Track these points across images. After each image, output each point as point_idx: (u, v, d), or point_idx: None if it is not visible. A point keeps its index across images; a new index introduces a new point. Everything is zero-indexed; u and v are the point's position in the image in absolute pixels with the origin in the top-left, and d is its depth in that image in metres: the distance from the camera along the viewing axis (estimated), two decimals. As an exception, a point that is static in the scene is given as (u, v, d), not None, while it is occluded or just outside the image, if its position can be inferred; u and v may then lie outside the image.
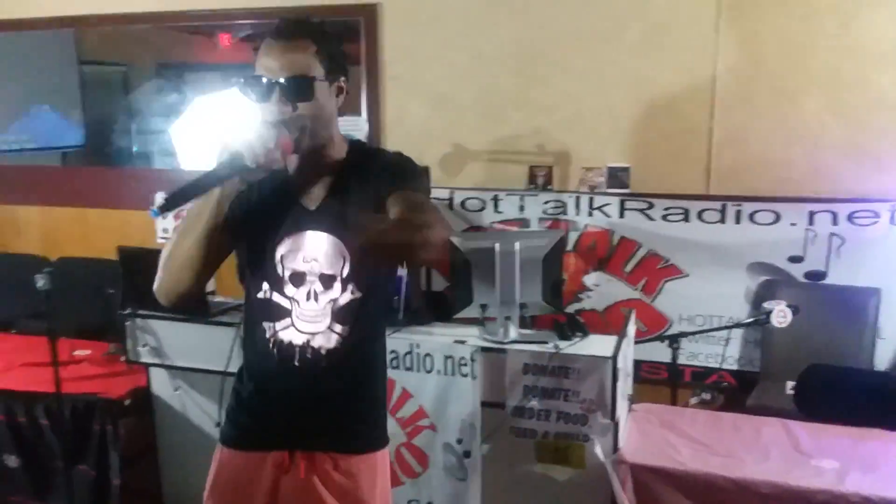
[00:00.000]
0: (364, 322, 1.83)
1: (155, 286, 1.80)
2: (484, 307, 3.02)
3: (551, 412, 2.85)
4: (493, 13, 4.13)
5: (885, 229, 3.63)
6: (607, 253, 4.03)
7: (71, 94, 5.12)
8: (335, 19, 4.31)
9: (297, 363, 1.82)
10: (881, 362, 3.68)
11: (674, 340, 3.15)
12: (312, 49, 1.71)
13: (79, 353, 3.76)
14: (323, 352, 1.81)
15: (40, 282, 3.06)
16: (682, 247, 3.91)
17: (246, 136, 1.60)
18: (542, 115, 4.12)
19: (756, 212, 3.78)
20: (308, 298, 1.80)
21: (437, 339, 3.02)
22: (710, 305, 3.90)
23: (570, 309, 3.95)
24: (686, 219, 3.88)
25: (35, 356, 3.58)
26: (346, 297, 1.80)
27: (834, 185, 3.74)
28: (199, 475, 1.95)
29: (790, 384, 3.17)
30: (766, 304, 3.04)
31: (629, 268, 4.02)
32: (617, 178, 3.96)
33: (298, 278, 1.80)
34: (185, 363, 3.34)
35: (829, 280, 3.74)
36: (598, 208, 3.99)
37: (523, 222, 4.11)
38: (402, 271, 3.20)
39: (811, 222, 3.72)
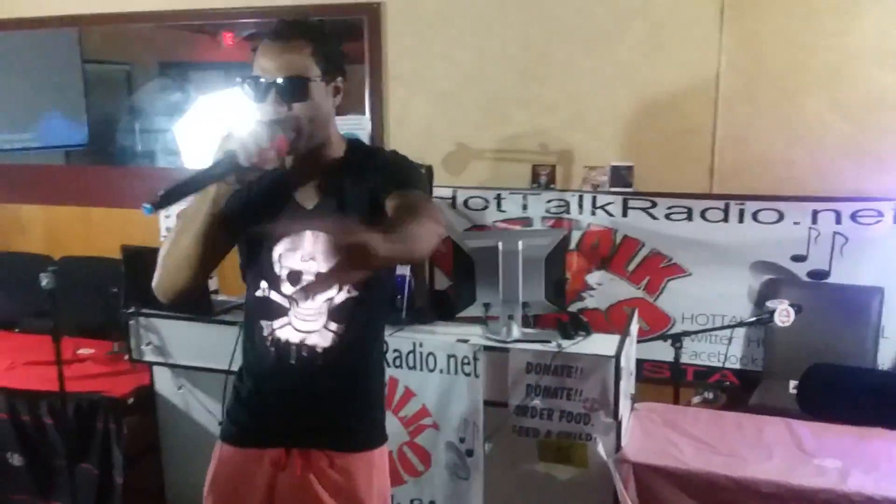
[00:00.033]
0: (360, 321, 1.84)
1: (153, 283, 1.81)
2: (487, 306, 3.02)
3: (554, 411, 2.86)
4: (496, 12, 4.13)
5: (889, 228, 3.63)
6: (610, 252, 4.03)
7: (74, 93, 5.13)
8: (339, 18, 4.32)
9: (293, 361, 1.83)
10: (884, 361, 3.67)
11: (676, 339, 3.15)
12: (308, 50, 1.72)
13: (82, 351, 3.77)
14: (319, 350, 1.82)
15: (45, 281, 3.07)
16: (684, 246, 3.91)
17: (240, 135, 1.60)
18: (546, 113, 4.12)
19: (759, 211, 3.78)
20: (305, 297, 1.81)
21: (439, 337, 3.02)
22: (712, 304, 3.90)
23: (573, 308, 3.95)
24: (689, 218, 3.87)
25: (39, 355, 3.60)
26: (342, 296, 1.81)
27: (837, 184, 3.74)
28: (201, 474, 1.96)
29: (793, 383, 3.16)
30: (769, 304, 3.04)
31: (632, 267, 4.02)
32: (620, 177, 3.96)
33: (296, 277, 1.81)
34: (188, 362, 3.34)
35: (833, 279, 3.74)
36: (601, 207, 3.99)
37: (526, 221, 4.11)
38: (405, 270, 3.20)
39: (814, 221, 3.72)
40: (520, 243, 2.89)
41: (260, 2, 4.39)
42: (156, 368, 3.43)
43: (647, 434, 2.87)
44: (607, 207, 3.98)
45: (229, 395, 1.99)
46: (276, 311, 1.84)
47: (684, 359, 3.28)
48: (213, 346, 3.16)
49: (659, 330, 3.92)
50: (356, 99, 4.34)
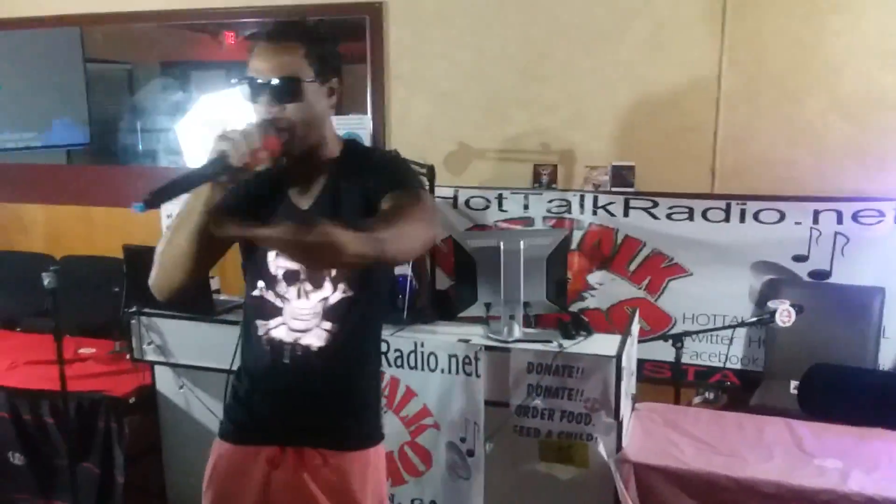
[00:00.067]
0: (355, 321, 1.84)
1: (150, 281, 1.82)
2: (488, 306, 3.02)
3: (555, 411, 2.86)
4: (497, 12, 4.13)
5: (890, 228, 3.63)
6: (611, 252, 4.04)
7: (76, 93, 5.13)
8: (340, 18, 4.32)
9: (287, 361, 1.85)
10: (885, 362, 3.67)
11: (677, 339, 3.15)
12: (301, 51, 1.72)
13: (84, 351, 3.78)
14: (313, 349, 1.83)
15: (46, 280, 3.07)
16: (686, 246, 3.91)
17: (232, 135, 1.60)
18: (547, 113, 4.13)
19: (760, 211, 3.78)
20: (299, 297, 1.83)
21: (441, 337, 3.02)
22: (713, 304, 3.90)
23: (574, 308, 3.95)
24: (690, 218, 3.87)
25: (40, 354, 3.60)
26: (337, 296, 1.82)
27: (838, 184, 3.74)
28: (202, 473, 1.96)
29: (794, 384, 3.16)
30: (770, 304, 3.04)
31: (633, 267, 4.02)
32: (621, 176, 3.96)
33: (291, 277, 1.83)
34: (189, 361, 3.35)
35: (834, 279, 3.74)
36: (603, 207, 3.99)
37: (528, 221, 4.11)
38: (407, 270, 3.21)
39: (816, 221, 3.72)
40: (521, 243, 2.89)
41: (261, 1, 4.39)
42: (157, 368, 3.43)
43: (647, 434, 2.87)
44: (608, 207, 3.98)
45: (228, 394, 2.00)
46: (272, 311, 1.86)
47: (685, 359, 3.28)
48: (214, 345, 3.17)
49: (660, 330, 3.92)
50: (358, 98, 4.35)
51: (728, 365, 3.91)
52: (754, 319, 3.31)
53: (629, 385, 2.94)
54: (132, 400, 3.41)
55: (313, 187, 1.83)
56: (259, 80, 1.71)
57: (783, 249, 3.79)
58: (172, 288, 1.80)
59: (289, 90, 1.71)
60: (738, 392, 3.86)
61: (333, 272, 1.81)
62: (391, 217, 1.61)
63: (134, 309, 3.37)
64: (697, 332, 3.60)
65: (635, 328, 3.07)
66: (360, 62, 4.31)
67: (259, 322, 1.87)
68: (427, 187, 2.99)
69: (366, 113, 4.36)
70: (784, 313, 2.95)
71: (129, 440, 3.36)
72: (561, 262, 3.12)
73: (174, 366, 3.38)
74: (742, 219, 3.80)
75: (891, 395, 2.96)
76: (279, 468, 1.86)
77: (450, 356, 2.94)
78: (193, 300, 3.15)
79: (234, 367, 2.01)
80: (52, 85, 5.13)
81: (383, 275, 1.94)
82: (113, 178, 4.96)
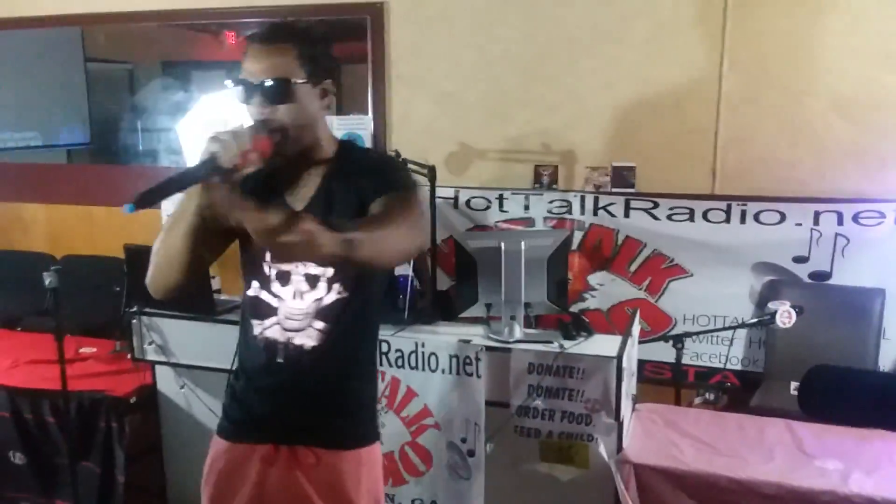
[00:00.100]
0: (348, 321, 1.85)
1: (147, 280, 1.84)
2: (489, 306, 3.03)
3: (555, 412, 2.86)
4: (499, 12, 4.13)
5: (891, 229, 3.62)
6: (612, 252, 4.04)
7: (77, 92, 5.13)
8: (341, 18, 4.32)
9: (281, 360, 1.86)
10: (886, 363, 3.67)
11: (678, 340, 3.15)
12: (294, 53, 1.73)
13: (85, 350, 3.78)
14: (305, 349, 1.84)
15: (47, 280, 3.08)
16: (686, 246, 3.91)
17: (223, 136, 1.60)
18: (548, 114, 4.12)
19: (761, 212, 3.78)
20: (294, 297, 1.84)
21: (441, 338, 3.02)
22: (714, 305, 3.90)
23: (575, 308, 3.96)
24: (691, 218, 3.88)
25: (41, 354, 3.61)
26: (331, 297, 1.83)
27: (839, 185, 3.73)
28: (202, 473, 1.97)
29: (794, 385, 3.16)
30: (771, 305, 3.04)
31: (634, 267, 4.02)
32: (622, 177, 3.96)
33: (285, 277, 1.84)
34: (190, 361, 3.35)
35: (834, 280, 3.74)
36: (603, 208, 3.99)
37: (528, 221, 4.11)
38: (408, 270, 3.21)
39: (816, 222, 3.72)
40: (522, 243, 2.89)
41: (262, 1, 4.39)
42: (158, 367, 3.44)
43: (648, 435, 2.87)
44: (609, 208, 3.98)
45: (226, 392, 2.02)
46: (266, 311, 1.87)
47: (685, 360, 3.28)
48: (215, 345, 3.17)
49: (660, 331, 3.92)
50: (358, 98, 4.34)
51: (728, 366, 3.91)
52: (755, 320, 3.31)
53: (630, 386, 2.94)
54: (133, 399, 3.42)
55: (307, 188, 1.83)
56: (251, 82, 1.72)
57: (784, 250, 3.79)
58: (168, 287, 1.81)
59: (280, 91, 1.72)
60: (739, 393, 3.86)
61: (330, 273, 1.82)
62: (374, 221, 1.64)
63: (135, 308, 3.38)
64: (698, 333, 3.60)
65: (636, 329, 3.07)
66: (361, 62, 4.31)
67: (254, 321, 1.89)
68: (423, 190, 2.99)
69: (367, 113, 4.36)
70: (784, 314, 2.95)
71: (130, 440, 3.37)
72: (562, 263, 3.12)
73: (175, 365, 3.39)
74: (742, 220, 3.80)
75: (891, 396, 2.96)
76: (273, 466, 1.87)
77: (451, 356, 2.94)
78: (192, 299, 3.16)
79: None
80: (53, 85, 5.14)
81: (379, 277, 1.94)
82: (113, 177, 4.96)
